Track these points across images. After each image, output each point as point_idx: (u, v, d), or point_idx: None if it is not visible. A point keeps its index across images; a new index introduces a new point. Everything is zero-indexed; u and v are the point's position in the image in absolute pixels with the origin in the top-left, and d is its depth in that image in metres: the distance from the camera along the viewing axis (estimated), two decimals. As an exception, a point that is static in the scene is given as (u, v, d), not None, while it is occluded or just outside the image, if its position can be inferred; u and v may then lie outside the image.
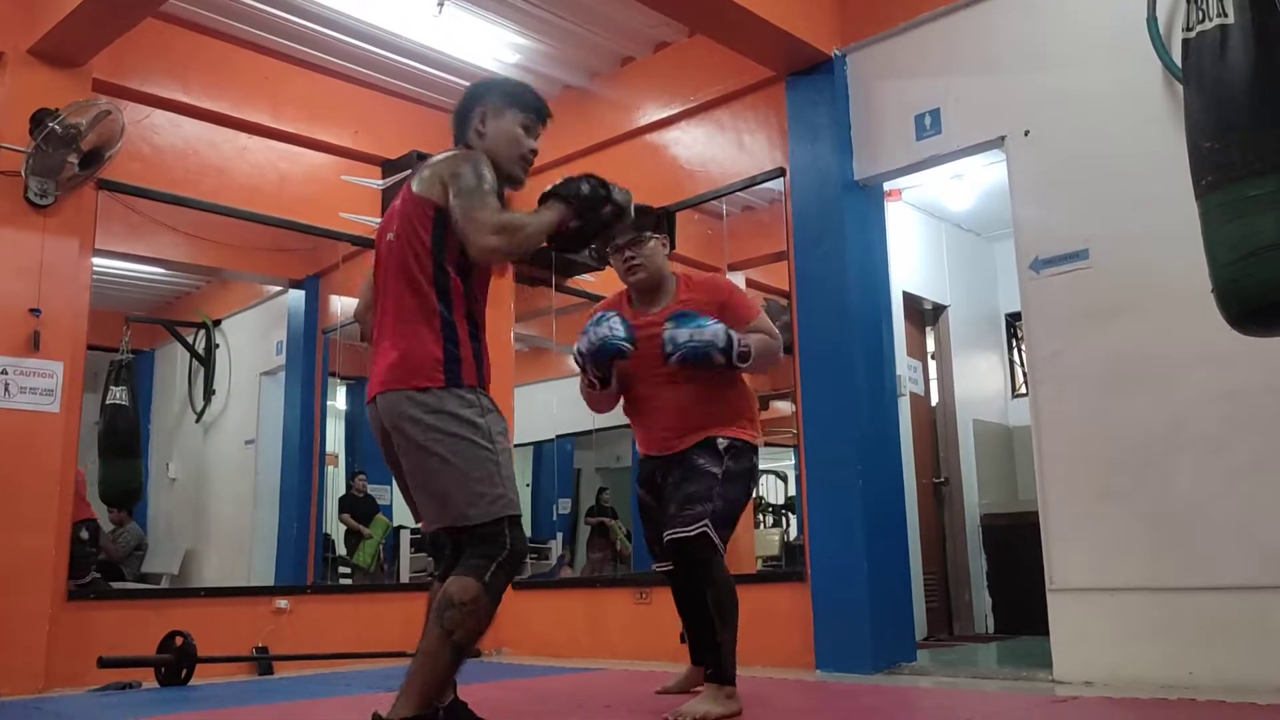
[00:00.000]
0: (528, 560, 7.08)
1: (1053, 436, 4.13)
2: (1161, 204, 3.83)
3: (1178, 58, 3.70)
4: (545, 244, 2.61)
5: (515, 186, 2.71)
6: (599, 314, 3.33)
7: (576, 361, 3.34)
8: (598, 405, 3.50)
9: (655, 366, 3.28)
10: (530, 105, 2.73)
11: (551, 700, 3.75)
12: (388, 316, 2.52)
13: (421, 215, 2.48)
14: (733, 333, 3.22)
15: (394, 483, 2.72)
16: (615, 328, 3.23)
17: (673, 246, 3.64)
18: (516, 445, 6.62)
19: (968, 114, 4.57)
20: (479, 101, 2.70)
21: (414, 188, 2.52)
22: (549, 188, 2.66)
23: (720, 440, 3.27)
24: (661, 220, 3.57)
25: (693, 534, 3.09)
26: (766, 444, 3.69)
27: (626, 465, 6.84)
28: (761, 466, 3.51)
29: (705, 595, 3.12)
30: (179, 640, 4.61)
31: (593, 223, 2.64)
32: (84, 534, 5.75)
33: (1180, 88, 3.72)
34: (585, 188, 2.61)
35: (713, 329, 3.19)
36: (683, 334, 3.18)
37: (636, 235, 3.40)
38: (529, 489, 7.58)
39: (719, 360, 3.19)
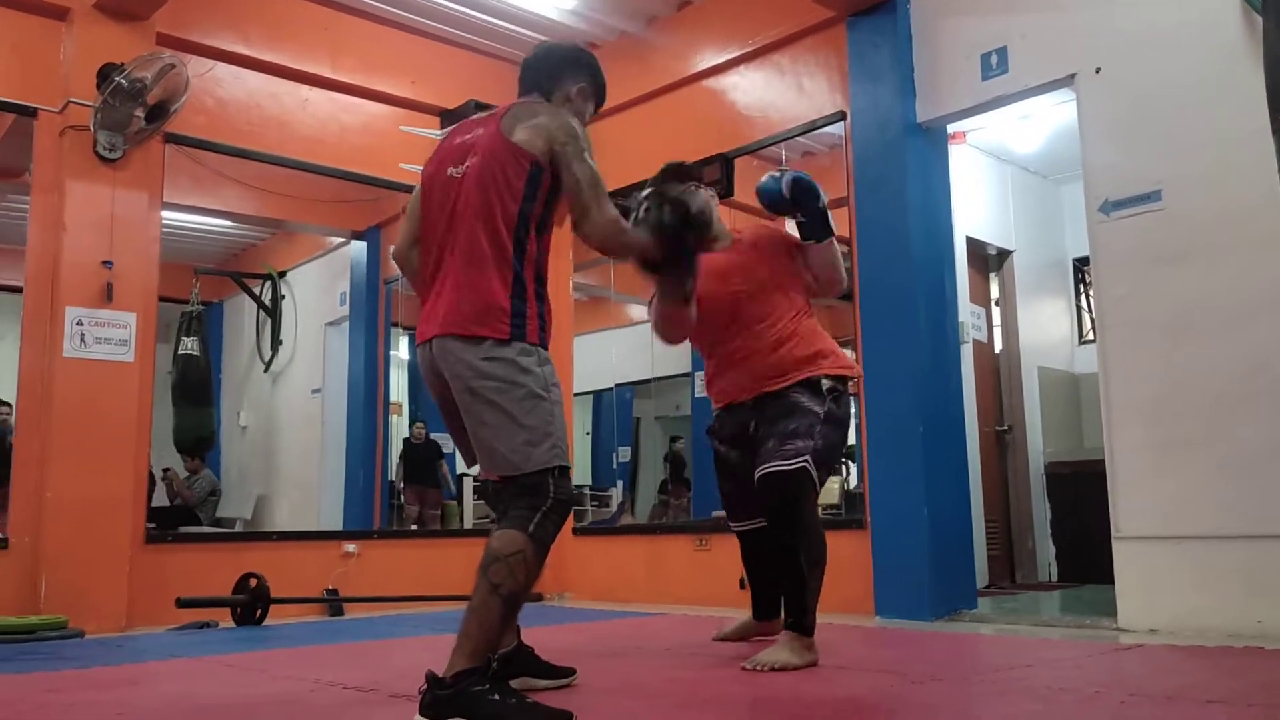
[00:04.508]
0: (589, 508, 7.21)
1: (1121, 383, 4.06)
2: (1237, 143, 3.70)
3: (1258, -12, 3.56)
4: (640, 266, 2.70)
5: None
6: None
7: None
8: (680, 323, 3.16)
9: (723, 307, 3.21)
10: (599, 108, 2.81)
11: (613, 643, 3.81)
12: (454, 255, 2.45)
13: (517, 165, 2.43)
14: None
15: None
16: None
17: (730, 193, 3.60)
18: (576, 394, 6.70)
19: (1036, 52, 4.43)
20: (580, 73, 2.71)
21: (512, 136, 2.45)
22: (637, 213, 2.72)
23: (825, 380, 3.14)
24: (702, 174, 3.51)
25: (792, 468, 2.96)
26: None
27: (686, 414, 6.87)
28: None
29: (792, 543, 2.97)
30: (253, 582, 4.76)
31: (676, 251, 2.68)
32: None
33: (1259, 21, 3.58)
34: (666, 217, 2.64)
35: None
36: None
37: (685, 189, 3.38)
38: (589, 437, 7.65)
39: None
